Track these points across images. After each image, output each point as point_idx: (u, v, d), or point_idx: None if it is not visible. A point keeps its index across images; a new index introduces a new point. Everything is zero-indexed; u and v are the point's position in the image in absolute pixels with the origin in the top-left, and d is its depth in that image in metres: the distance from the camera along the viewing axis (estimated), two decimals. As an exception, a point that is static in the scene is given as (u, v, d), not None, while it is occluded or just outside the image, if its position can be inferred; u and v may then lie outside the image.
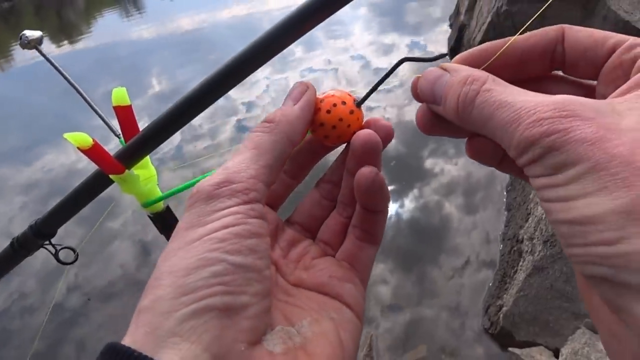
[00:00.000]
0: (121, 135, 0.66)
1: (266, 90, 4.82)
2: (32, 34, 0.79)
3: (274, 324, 0.32)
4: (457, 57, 0.36)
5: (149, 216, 0.72)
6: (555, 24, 0.34)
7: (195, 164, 3.74)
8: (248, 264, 0.30)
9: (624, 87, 0.29)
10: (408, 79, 4.09)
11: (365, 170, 0.38)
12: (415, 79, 0.36)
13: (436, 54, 0.40)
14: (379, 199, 0.40)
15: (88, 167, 4.15)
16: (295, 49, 5.59)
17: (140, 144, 0.59)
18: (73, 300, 2.79)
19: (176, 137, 4.35)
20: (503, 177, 2.83)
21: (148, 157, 0.66)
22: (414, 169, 3.20)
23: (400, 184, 3.06)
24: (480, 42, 3.60)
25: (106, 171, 0.59)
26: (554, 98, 0.27)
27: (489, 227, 2.60)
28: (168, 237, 0.75)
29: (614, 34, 0.32)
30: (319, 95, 0.40)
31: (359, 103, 0.41)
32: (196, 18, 8.96)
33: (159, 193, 0.68)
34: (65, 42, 9.88)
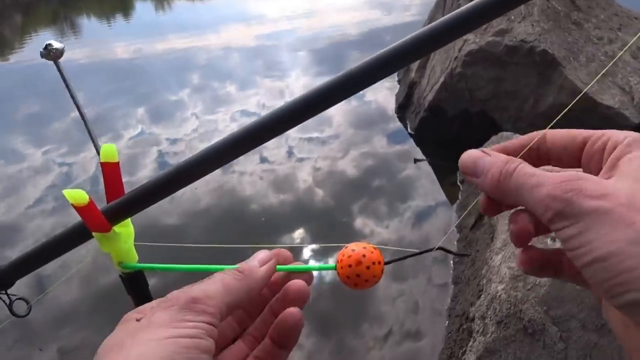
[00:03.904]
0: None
1: (195, 130, 4.44)
2: (58, 45, 0.71)
3: None
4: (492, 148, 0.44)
5: (120, 275, 0.65)
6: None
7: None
8: None
9: (603, 172, 0.37)
10: (344, 131, 3.84)
11: (295, 311, 0.44)
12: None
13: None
14: (294, 338, 0.44)
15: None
16: (229, 87, 5.26)
17: (131, 203, 0.56)
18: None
19: (91, 168, 3.94)
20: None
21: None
22: (342, 226, 2.86)
23: (325, 241, 2.75)
24: (432, 102, 3.34)
25: (92, 228, 0.55)
26: (567, 171, 0.38)
27: (418, 296, 2.36)
28: (135, 299, 0.70)
29: (580, 131, 0.41)
30: (356, 247, 0.44)
31: (387, 263, 0.45)
32: (131, 47, 8.37)
33: (134, 252, 0.61)
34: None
